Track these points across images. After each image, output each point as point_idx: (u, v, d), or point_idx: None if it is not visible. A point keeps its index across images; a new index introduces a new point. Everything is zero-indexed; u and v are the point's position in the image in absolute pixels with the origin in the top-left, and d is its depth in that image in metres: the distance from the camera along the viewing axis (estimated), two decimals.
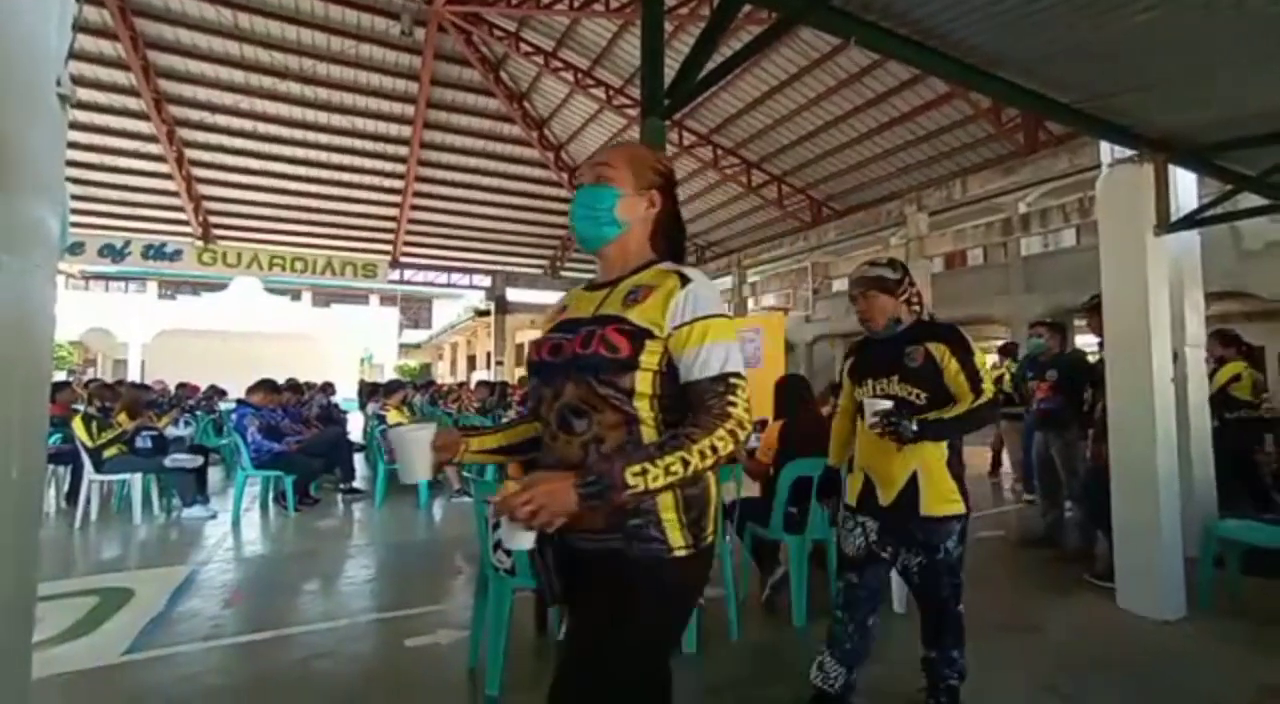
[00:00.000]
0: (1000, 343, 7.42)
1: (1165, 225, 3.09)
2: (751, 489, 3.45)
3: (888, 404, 1.89)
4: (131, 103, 12.14)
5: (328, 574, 3.83)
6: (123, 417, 5.24)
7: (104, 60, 11.28)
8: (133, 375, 18.65)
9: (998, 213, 12.20)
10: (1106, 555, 3.31)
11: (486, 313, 19.53)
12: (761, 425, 4.90)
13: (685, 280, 1.14)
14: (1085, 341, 9.51)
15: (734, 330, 1.14)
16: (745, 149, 13.27)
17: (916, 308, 2.06)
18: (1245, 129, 2.66)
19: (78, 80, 1.47)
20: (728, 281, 16.36)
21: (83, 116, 11.89)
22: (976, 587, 3.40)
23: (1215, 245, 6.74)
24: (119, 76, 11.66)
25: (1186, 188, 3.62)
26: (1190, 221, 3.27)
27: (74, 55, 1.69)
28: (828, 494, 3.18)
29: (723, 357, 1.09)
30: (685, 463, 1.00)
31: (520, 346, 21.91)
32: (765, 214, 15.10)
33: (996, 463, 7.10)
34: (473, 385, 10.14)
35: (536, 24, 11.81)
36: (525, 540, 1.01)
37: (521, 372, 18.58)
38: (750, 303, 16.62)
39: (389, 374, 24.71)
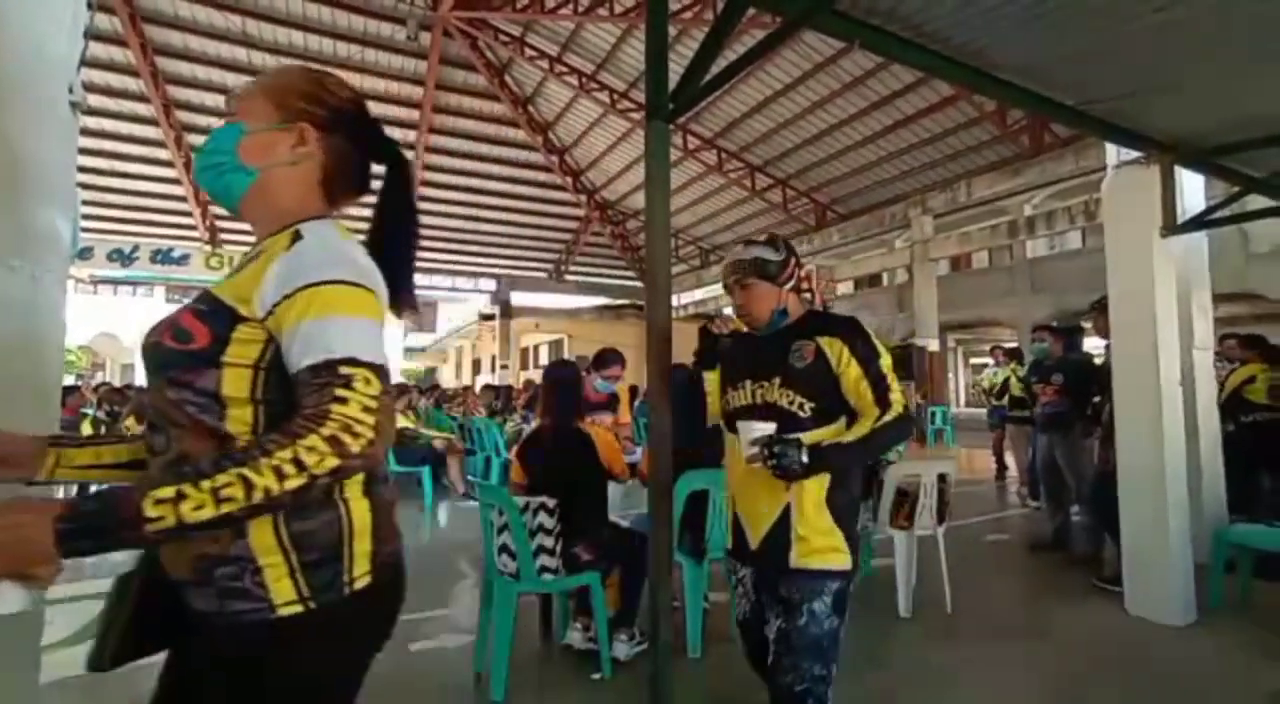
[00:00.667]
0: (995, 346, 7.42)
1: (1172, 227, 3.08)
2: None
3: (768, 429, 1.42)
4: (141, 108, 12.25)
5: None
6: (131, 420, 5.28)
7: (113, 67, 11.39)
8: (140, 379, 18.76)
9: (1003, 215, 12.19)
10: (1115, 560, 3.28)
11: (491, 317, 19.58)
12: None
13: (296, 238, 0.83)
14: (1095, 344, 9.47)
15: (364, 303, 0.82)
16: (749, 153, 13.28)
17: (808, 296, 1.63)
18: (1252, 131, 2.65)
19: (87, 86, 1.49)
20: None
21: (91, 122, 12.01)
22: (983, 592, 3.39)
23: (1223, 247, 6.72)
24: (129, 82, 11.78)
25: (1193, 189, 3.60)
26: (1197, 223, 3.25)
27: (84, 62, 1.71)
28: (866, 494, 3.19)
29: (332, 337, 0.77)
30: (248, 486, 0.68)
31: (525, 350, 21.96)
32: (770, 218, 15.09)
33: (1001, 467, 7.08)
34: (478, 389, 10.17)
35: (541, 29, 11.86)
36: (9, 601, 0.64)
37: (527, 376, 18.61)
38: None
39: (394, 379, 24.77)
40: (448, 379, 27.83)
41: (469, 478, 5.73)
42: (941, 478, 3.11)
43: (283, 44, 11.65)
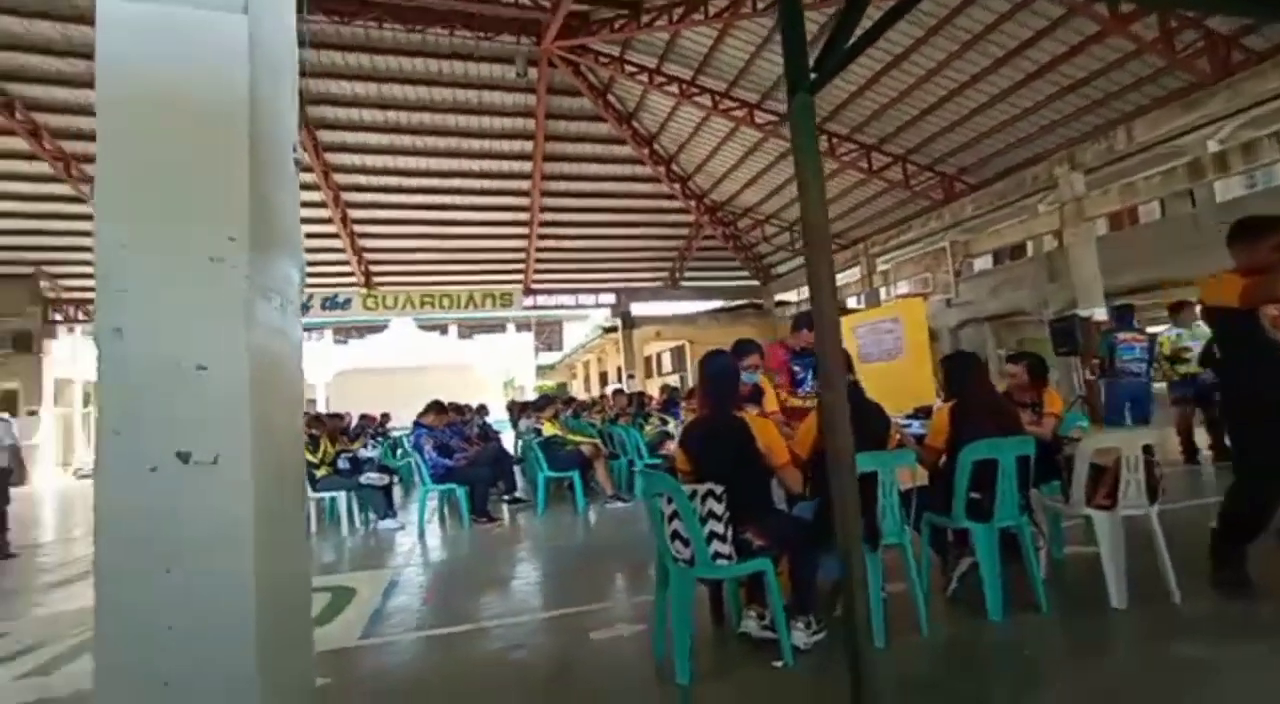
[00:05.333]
0: (1181, 302, 6.24)
1: None
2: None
3: None
4: (306, 177, 14.12)
5: (505, 576, 4.14)
6: (325, 442, 6.05)
7: None
8: (319, 411, 21.43)
9: (1179, 157, 10.56)
10: None
11: (614, 329, 20.16)
12: (925, 412, 4.62)
13: None
14: None
15: None
16: (861, 133, 12.66)
17: None
18: None
19: None
20: (855, 273, 15.63)
21: None
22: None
23: None
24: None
25: None
26: None
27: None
28: (1050, 474, 2.94)
29: None
30: None
31: (649, 359, 22.36)
32: (891, 198, 14.25)
33: (1191, 449, 5.95)
34: (610, 395, 10.53)
35: (638, 44, 12.15)
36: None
37: (652, 383, 18.93)
38: (883, 292, 15.71)
39: (530, 395, 26.31)
40: (578, 392, 29.05)
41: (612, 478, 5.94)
42: (1148, 450, 2.75)
43: (412, 100, 12.92)
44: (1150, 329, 6.28)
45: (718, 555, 2.34)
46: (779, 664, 2.35)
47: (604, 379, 25.02)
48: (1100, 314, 10.21)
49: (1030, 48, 9.08)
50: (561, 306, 19.65)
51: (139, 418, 1.46)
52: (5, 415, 6.06)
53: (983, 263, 17.18)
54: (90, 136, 12.25)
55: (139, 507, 1.44)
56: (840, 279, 14.68)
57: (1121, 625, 2.57)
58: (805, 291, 14.19)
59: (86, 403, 20.79)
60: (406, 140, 13.80)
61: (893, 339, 8.37)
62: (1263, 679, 2.09)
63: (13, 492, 6.04)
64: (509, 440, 9.89)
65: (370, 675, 2.65)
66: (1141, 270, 11.89)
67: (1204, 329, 5.63)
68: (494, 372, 28.19)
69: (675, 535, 2.38)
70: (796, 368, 3.62)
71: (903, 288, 17.66)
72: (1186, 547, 2.82)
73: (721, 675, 2.43)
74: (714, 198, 16.74)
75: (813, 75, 1.77)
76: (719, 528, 2.34)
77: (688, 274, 19.62)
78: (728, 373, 2.67)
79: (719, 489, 2.35)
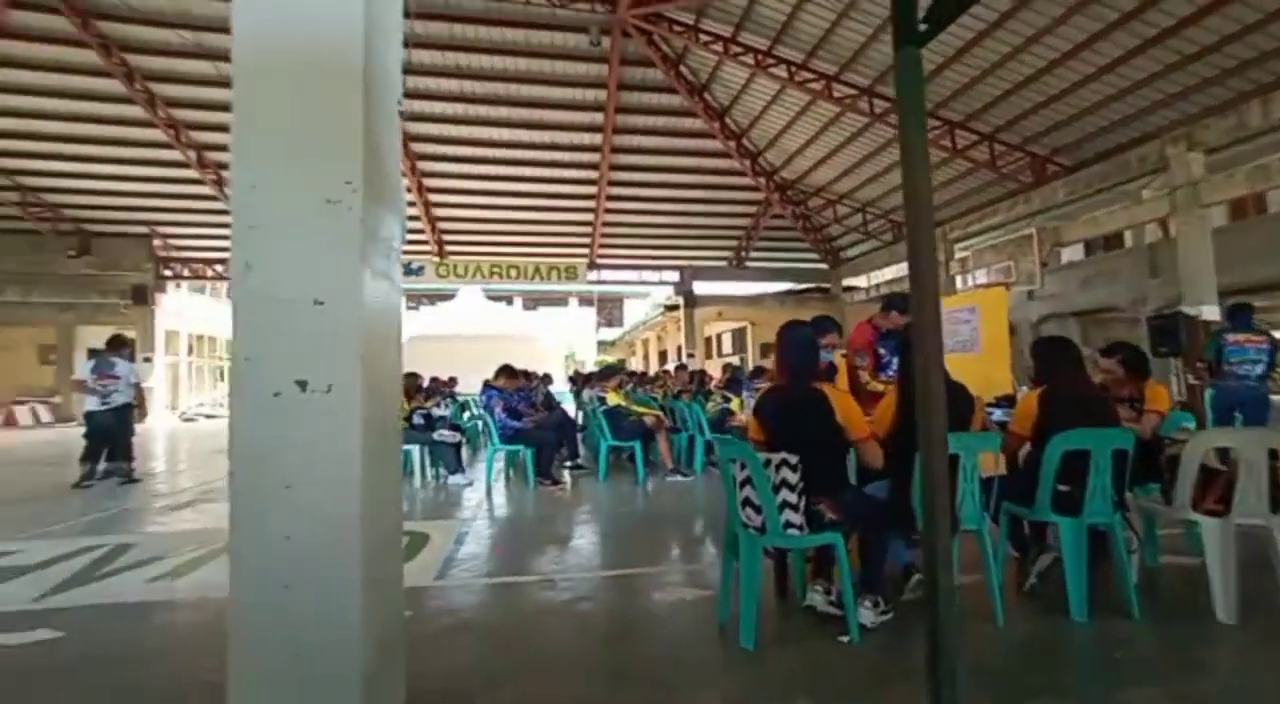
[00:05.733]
0: None
1: None
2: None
3: None
4: None
5: (569, 534, 4.27)
6: (402, 399, 6.34)
7: None
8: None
9: None
10: None
11: (675, 307, 20.12)
12: (1009, 401, 4.41)
13: None
14: None
15: None
16: (946, 108, 11.96)
17: None
18: None
19: None
20: None
21: None
22: None
23: None
24: None
25: None
26: None
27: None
28: (1148, 476, 2.76)
29: None
30: None
31: (709, 339, 22.23)
32: (975, 179, 13.49)
33: None
34: (672, 371, 10.58)
35: (714, 11, 11.85)
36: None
37: (712, 364, 18.83)
38: (959, 281, 14.97)
39: (591, 369, 26.77)
40: (637, 369, 29.32)
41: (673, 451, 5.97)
42: (1274, 455, 2.52)
43: (486, 69, 13.10)
44: (1276, 333, 5.71)
45: (789, 525, 2.33)
46: (845, 639, 2.33)
47: (663, 357, 25.09)
48: (1210, 313, 9.39)
49: (1143, 13, 8.27)
50: (625, 282, 19.76)
51: (266, 348, 1.58)
52: (128, 357, 6.64)
53: (1071, 254, 16.06)
54: (197, 105, 13.10)
55: (265, 429, 1.57)
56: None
57: (1228, 638, 2.38)
58: (875, 277, 13.74)
59: (190, 352, 22.64)
60: (480, 110, 14.05)
61: (969, 330, 7.96)
62: None
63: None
64: (570, 411, 10.11)
65: (446, 611, 2.80)
66: (1267, 265, 10.83)
67: None
68: (556, 345, 28.80)
69: (747, 502, 2.38)
70: (882, 351, 3.50)
71: (981, 277, 16.77)
72: None
73: (785, 645, 2.43)
74: (784, 175, 16.30)
75: (922, 27, 1.67)
76: (791, 498, 2.33)
77: (753, 255, 19.29)
78: (808, 343, 2.62)
79: (794, 459, 2.33)
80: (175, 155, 14.29)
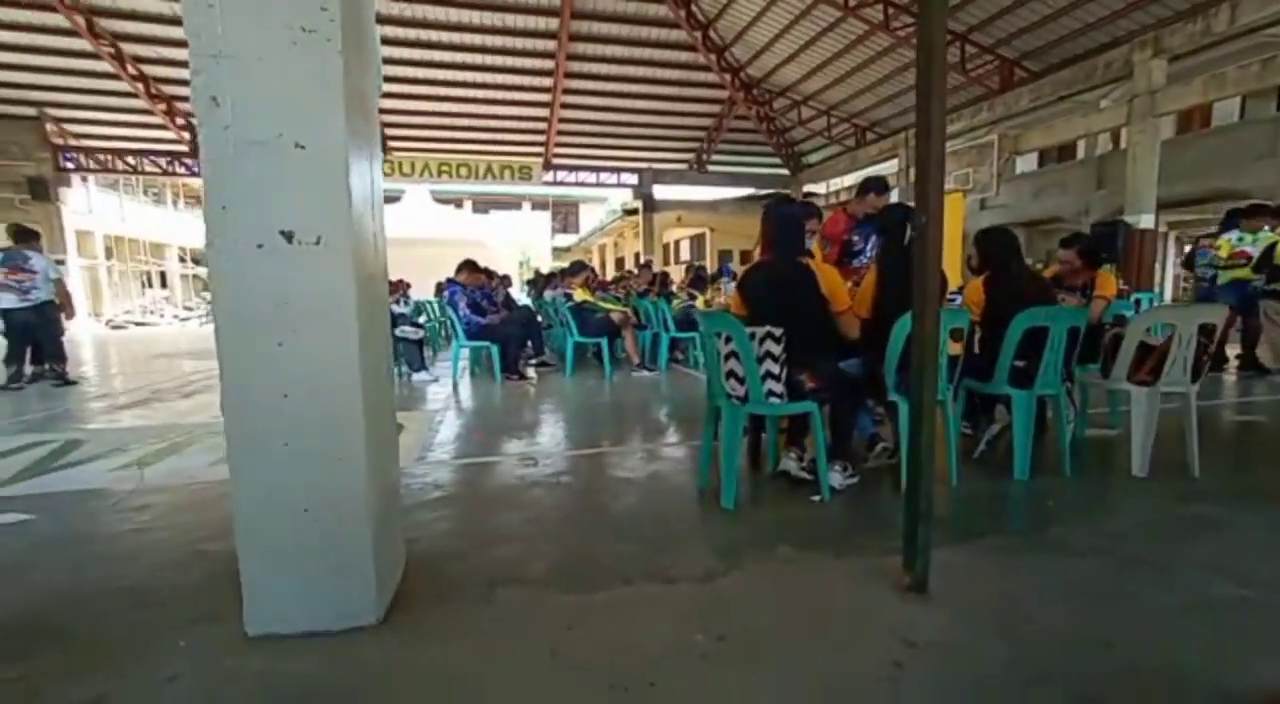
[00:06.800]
0: (1254, 205, 5.95)
1: None
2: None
3: None
4: None
5: (542, 421, 4.36)
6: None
7: None
8: None
9: None
10: None
11: (634, 211, 19.66)
12: (959, 293, 4.60)
13: None
14: None
15: None
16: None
17: None
18: None
19: None
20: (893, 165, 14.92)
21: None
22: (1241, 464, 3.09)
23: None
24: None
25: None
26: None
27: None
28: (1086, 356, 2.97)
29: None
30: None
31: (667, 246, 22.01)
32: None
33: (1220, 356, 5.80)
34: (635, 271, 10.51)
35: None
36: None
37: (671, 268, 18.74)
38: None
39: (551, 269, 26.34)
40: None
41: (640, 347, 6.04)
42: (1204, 331, 2.75)
43: None
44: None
45: (770, 393, 2.43)
46: (816, 498, 2.52)
47: (620, 264, 24.82)
48: (1147, 222, 9.82)
49: None
50: (582, 183, 19.01)
51: (243, 195, 1.46)
52: (39, 251, 6.08)
53: (1025, 165, 16.31)
54: None
55: (250, 284, 1.49)
56: (875, 171, 14.03)
57: (1139, 488, 2.70)
58: (835, 184, 13.55)
59: (109, 256, 20.95)
60: None
61: None
62: (1270, 537, 2.22)
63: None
64: None
65: (433, 486, 2.87)
66: (1198, 181, 11.29)
67: (1267, 235, 5.45)
68: (509, 250, 27.94)
69: (731, 374, 2.46)
70: (855, 238, 3.52)
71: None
72: (1207, 434, 2.91)
73: (762, 505, 2.62)
74: (751, 73, 15.61)
75: None
76: (774, 368, 2.41)
77: (715, 159, 18.77)
78: (794, 220, 2.62)
79: (778, 332, 2.39)
80: (59, 20, 12.39)
